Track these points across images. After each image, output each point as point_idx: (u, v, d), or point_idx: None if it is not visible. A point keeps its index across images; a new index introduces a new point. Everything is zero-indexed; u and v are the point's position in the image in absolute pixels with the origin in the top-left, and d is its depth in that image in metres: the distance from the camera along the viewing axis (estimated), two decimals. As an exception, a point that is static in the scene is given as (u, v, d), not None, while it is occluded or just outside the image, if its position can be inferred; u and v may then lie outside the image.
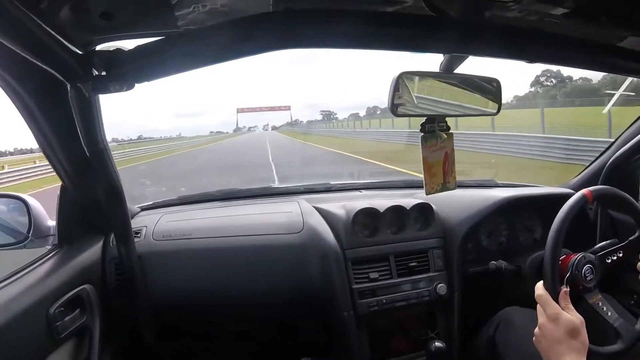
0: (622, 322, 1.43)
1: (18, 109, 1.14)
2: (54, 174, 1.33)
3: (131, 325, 1.55)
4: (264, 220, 1.80)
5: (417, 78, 1.07)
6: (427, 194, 1.20)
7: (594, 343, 1.41)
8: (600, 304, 1.46)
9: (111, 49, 0.93)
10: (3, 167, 16.28)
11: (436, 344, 1.66)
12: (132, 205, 1.90)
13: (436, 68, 1.07)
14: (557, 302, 1.40)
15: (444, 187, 1.21)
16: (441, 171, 1.20)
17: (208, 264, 1.66)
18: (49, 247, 1.41)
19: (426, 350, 1.68)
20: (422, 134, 1.16)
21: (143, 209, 1.95)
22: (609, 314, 1.44)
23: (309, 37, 0.86)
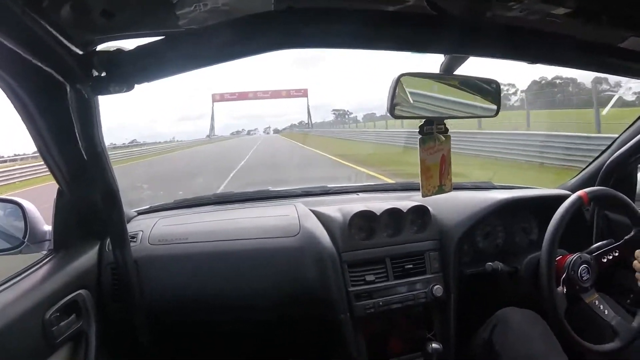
0: (619, 321, 1.45)
1: (16, 109, 1.13)
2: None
3: (127, 329, 1.53)
4: (260, 223, 1.79)
5: (416, 79, 1.07)
6: (423, 196, 1.20)
7: (591, 342, 1.42)
8: (597, 303, 1.48)
9: (111, 49, 0.92)
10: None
11: (433, 345, 1.67)
12: (129, 210, 1.89)
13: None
14: (554, 303, 1.41)
15: (440, 190, 1.21)
16: (438, 173, 1.20)
17: (204, 268, 1.65)
18: (44, 252, 1.39)
19: (423, 351, 1.69)
20: (420, 136, 1.16)
21: (139, 212, 1.94)
22: (606, 312, 1.46)
23: (310, 36, 0.86)
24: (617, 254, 1.57)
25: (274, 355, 1.86)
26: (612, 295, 1.63)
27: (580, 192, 1.55)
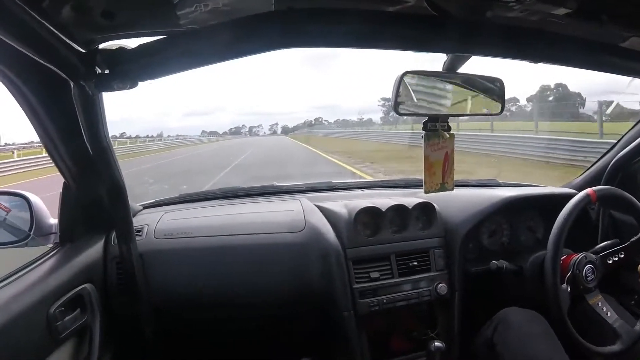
0: (622, 324, 1.44)
1: (21, 107, 1.14)
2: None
3: (132, 324, 1.54)
4: (265, 218, 1.79)
5: (420, 77, 1.07)
6: (425, 192, 1.20)
7: (593, 343, 1.42)
8: (600, 305, 1.47)
9: (114, 47, 0.93)
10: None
11: (436, 344, 1.66)
12: (135, 204, 1.90)
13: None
14: (559, 301, 1.41)
15: (443, 187, 1.21)
16: (440, 171, 1.20)
17: (209, 262, 1.66)
18: (50, 245, 1.41)
19: (426, 350, 1.68)
20: (425, 132, 1.16)
21: (145, 207, 1.95)
22: (609, 314, 1.45)
23: (311, 36, 0.86)
24: (622, 256, 1.56)
25: (277, 351, 1.87)
26: (616, 295, 1.62)
27: (588, 190, 1.53)
